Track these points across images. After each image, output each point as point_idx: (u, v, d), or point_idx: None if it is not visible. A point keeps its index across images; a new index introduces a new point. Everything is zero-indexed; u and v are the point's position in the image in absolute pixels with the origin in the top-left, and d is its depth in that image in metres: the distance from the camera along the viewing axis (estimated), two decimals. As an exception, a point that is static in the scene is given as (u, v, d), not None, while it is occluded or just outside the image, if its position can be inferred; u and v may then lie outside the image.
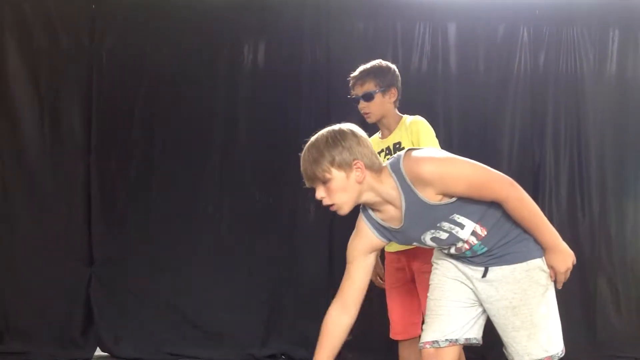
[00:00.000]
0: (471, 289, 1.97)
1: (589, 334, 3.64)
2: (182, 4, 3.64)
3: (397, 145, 2.67)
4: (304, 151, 1.86)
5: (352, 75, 2.72)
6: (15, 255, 3.57)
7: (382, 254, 2.77)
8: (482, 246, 1.90)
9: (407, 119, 2.68)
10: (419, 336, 2.61)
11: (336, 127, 1.86)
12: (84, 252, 3.60)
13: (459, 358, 2.23)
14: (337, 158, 1.80)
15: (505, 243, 1.90)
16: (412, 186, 1.80)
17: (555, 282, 1.92)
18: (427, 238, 1.90)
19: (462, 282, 1.98)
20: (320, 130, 1.87)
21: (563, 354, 1.95)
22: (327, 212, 3.59)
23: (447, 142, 3.31)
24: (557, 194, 3.68)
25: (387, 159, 2.60)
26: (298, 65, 3.65)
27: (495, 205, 1.86)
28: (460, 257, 1.96)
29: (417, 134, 2.59)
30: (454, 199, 1.83)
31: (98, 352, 3.60)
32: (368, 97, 2.66)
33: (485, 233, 1.88)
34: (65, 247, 3.58)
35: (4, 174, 3.58)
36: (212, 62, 3.64)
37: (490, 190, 1.82)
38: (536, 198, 3.15)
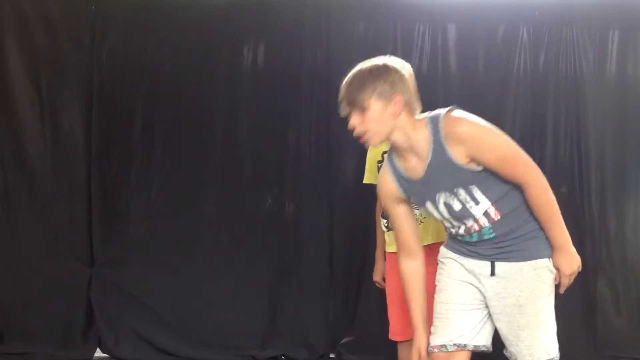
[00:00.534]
0: (477, 287, 1.96)
1: (589, 334, 3.64)
2: (182, 5, 3.64)
3: None
4: (347, 78, 1.90)
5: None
6: (16, 256, 3.57)
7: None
8: (491, 231, 1.90)
9: None
10: None
11: (382, 61, 1.91)
12: (85, 253, 3.60)
13: None
14: (379, 89, 1.84)
15: (515, 237, 1.90)
16: (444, 142, 1.83)
17: (559, 285, 1.93)
18: (441, 201, 1.90)
19: (468, 283, 1.98)
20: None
21: (558, 358, 1.98)
22: (327, 215, 3.64)
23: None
24: (556, 194, 3.66)
25: None
26: (298, 66, 3.65)
27: (516, 194, 1.88)
28: (467, 243, 1.95)
29: None
30: (479, 168, 1.84)
31: (98, 352, 3.61)
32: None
33: (499, 217, 1.88)
34: (65, 248, 3.58)
35: (4, 175, 3.58)
36: (212, 63, 3.64)
37: (518, 169, 1.85)
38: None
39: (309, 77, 3.65)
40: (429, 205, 1.95)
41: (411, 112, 1.88)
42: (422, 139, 1.87)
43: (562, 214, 3.45)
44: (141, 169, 3.64)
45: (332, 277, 3.65)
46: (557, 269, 1.90)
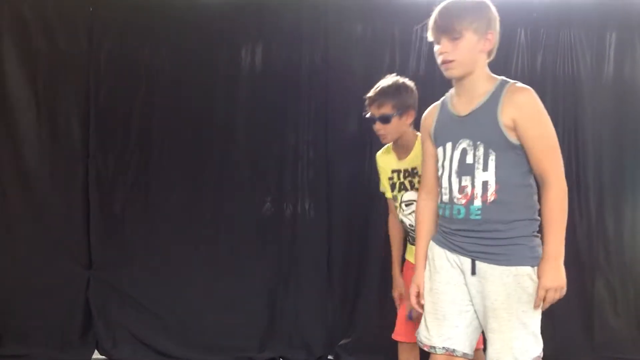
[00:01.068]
0: (465, 285, 1.97)
1: (587, 335, 3.65)
2: (180, 6, 3.63)
3: (415, 171, 2.65)
4: (442, 6, 1.94)
5: (369, 95, 2.67)
6: (13, 258, 3.56)
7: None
8: (479, 212, 1.90)
9: (419, 139, 2.62)
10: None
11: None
12: (83, 254, 3.60)
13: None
14: (477, 23, 1.90)
15: (498, 238, 1.90)
16: (501, 98, 1.88)
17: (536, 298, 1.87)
18: (460, 147, 1.94)
19: (457, 284, 1.99)
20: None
21: None
22: (325, 216, 3.64)
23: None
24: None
25: (408, 180, 2.67)
26: (296, 67, 3.65)
27: (521, 193, 1.89)
28: (452, 231, 1.97)
29: None
30: (514, 140, 1.86)
31: (96, 355, 3.59)
32: (385, 119, 2.61)
33: (492, 199, 1.89)
34: (63, 250, 3.57)
35: (1, 176, 3.57)
36: (210, 64, 3.64)
37: (548, 162, 1.86)
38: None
39: (308, 78, 3.65)
40: (448, 146, 1.98)
41: (491, 53, 1.96)
42: (484, 84, 1.94)
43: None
44: (139, 171, 3.63)
45: (330, 279, 3.65)
46: (539, 279, 1.85)
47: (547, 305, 1.88)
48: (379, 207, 3.50)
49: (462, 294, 1.98)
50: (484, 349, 2.02)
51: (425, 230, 2.12)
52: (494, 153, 1.88)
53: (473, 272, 1.94)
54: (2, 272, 3.56)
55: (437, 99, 3.39)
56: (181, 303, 3.59)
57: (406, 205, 2.74)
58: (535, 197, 1.95)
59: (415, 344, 2.68)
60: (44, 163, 3.58)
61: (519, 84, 1.93)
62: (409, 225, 2.73)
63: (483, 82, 1.95)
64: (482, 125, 1.90)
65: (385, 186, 2.83)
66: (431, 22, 1.96)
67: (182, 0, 3.64)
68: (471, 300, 1.97)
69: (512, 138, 1.87)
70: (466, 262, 1.95)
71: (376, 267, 3.54)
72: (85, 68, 3.60)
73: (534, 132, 1.86)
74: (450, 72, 1.96)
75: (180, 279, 3.60)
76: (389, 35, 3.66)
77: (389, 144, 2.78)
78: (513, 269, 1.89)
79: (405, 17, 3.65)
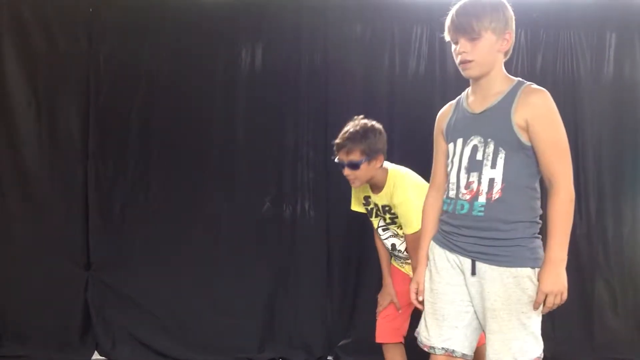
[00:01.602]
0: (465, 285, 1.97)
1: (587, 336, 3.65)
2: (179, 7, 3.63)
3: (387, 209, 2.68)
4: (460, 5, 1.94)
5: (337, 141, 2.64)
6: (12, 259, 3.56)
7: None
8: (482, 208, 1.90)
9: (396, 172, 2.64)
10: (401, 342, 2.73)
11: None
12: (82, 255, 3.60)
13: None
14: (495, 23, 1.90)
15: (498, 238, 1.89)
16: (516, 97, 1.89)
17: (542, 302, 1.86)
18: (472, 143, 1.94)
19: (457, 284, 1.99)
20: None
21: None
22: (324, 217, 3.64)
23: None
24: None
25: (382, 215, 2.72)
26: (296, 68, 3.65)
27: (527, 195, 1.89)
28: (454, 227, 1.97)
29: (400, 206, 2.58)
30: (521, 138, 1.87)
31: (96, 355, 3.59)
32: (353, 166, 2.59)
33: (497, 197, 1.89)
34: (62, 251, 3.57)
35: (1, 177, 3.57)
36: (210, 65, 3.64)
37: (558, 165, 1.86)
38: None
39: (307, 79, 3.65)
40: (459, 142, 1.99)
41: (507, 53, 1.97)
42: (500, 84, 1.94)
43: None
44: (138, 171, 3.63)
45: (330, 280, 3.65)
46: (538, 283, 1.85)
47: (546, 310, 1.87)
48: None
49: (461, 294, 1.98)
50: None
51: (429, 228, 2.12)
52: (503, 152, 1.89)
53: (473, 273, 1.93)
54: (2, 272, 3.56)
55: (437, 99, 3.44)
56: (180, 303, 3.59)
57: (383, 230, 2.77)
58: (539, 202, 1.95)
59: (398, 343, 2.72)
60: (43, 163, 3.58)
61: (535, 86, 1.93)
62: (389, 246, 2.79)
63: (499, 82, 1.95)
64: (495, 124, 1.91)
65: (356, 205, 2.88)
66: (448, 21, 1.96)
67: (182, 0, 3.64)
68: (471, 301, 1.97)
69: (524, 138, 1.87)
70: (466, 262, 1.95)
71: (375, 267, 3.52)
72: (85, 68, 3.60)
73: (545, 134, 1.86)
74: (468, 72, 1.95)
75: (180, 279, 3.60)
76: (389, 36, 3.66)
77: None
78: (513, 270, 1.88)
79: (405, 17, 3.66)
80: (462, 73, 1.98)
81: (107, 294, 3.60)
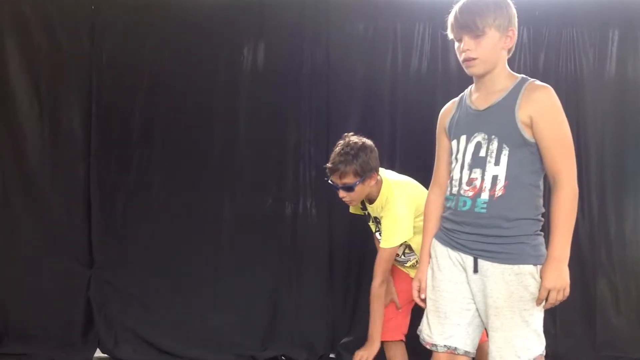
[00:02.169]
0: (467, 282, 1.97)
1: (589, 334, 3.64)
2: (181, 5, 3.63)
3: (378, 220, 2.68)
4: (463, 2, 1.94)
5: (329, 165, 2.61)
6: (15, 257, 3.57)
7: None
8: (484, 205, 1.90)
9: (384, 192, 2.62)
10: (402, 340, 2.73)
11: None
12: (84, 254, 3.60)
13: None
14: (499, 20, 1.90)
15: (499, 236, 1.89)
16: (520, 94, 1.89)
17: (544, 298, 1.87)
18: (475, 140, 1.94)
19: (459, 282, 1.99)
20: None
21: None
22: (326, 216, 3.63)
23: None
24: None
25: (374, 225, 2.73)
26: (298, 66, 3.64)
27: (530, 192, 1.89)
28: (458, 212, 1.96)
29: (385, 220, 2.58)
30: (525, 135, 1.87)
31: (98, 353, 3.60)
32: (348, 189, 2.57)
33: (500, 194, 1.88)
34: (65, 249, 3.58)
35: (3, 176, 3.58)
36: (211, 64, 3.63)
37: (562, 162, 1.86)
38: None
39: (309, 77, 3.65)
40: (462, 139, 1.98)
41: (510, 51, 1.97)
42: (504, 81, 1.94)
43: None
44: (140, 170, 3.63)
45: (332, 278, 3.65)
46: (541, 279, 1.86)
47: (549, 305, 1.88)
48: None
49: (463, 292, 1.98)
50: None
51: (432, 226, 2.12)
52: (507, 148, 1.89)
53: (475, 270, 1.93)
54: (4, 271, 3.56)
55: (439, 97, 3.44)
56: (183, 302, 3.59)
57: (380, 235, 2.77)
58: (541, 200, 1.95)
59: (399, 341, 2.72)
60: (45, 162, 3.59)
61: (539, 82, 1.93)
62: None
63: (503, 79, 1.95)
64: (499, 120, 1.91)
65: (354, 208, 2.87)
66: (451, 19, 1.96)
67: (184, -1, 3.65)
68: (473, 299, 1.97)
69: (528, 135, 1.87)
70: (468, 260, 1.95)
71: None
72: (87, 67, 3.60)
73: (550, 131, 1.86)
74: (472, 70, 1.95)
75: (182, 277, 3.60)
76: (391, 34, 3.65)
77: None
78: (515, 267, 1.88)
79: (407, 15, 3.65)
80: (466, 71, 1.97)
81: (109, 292, 3.61)
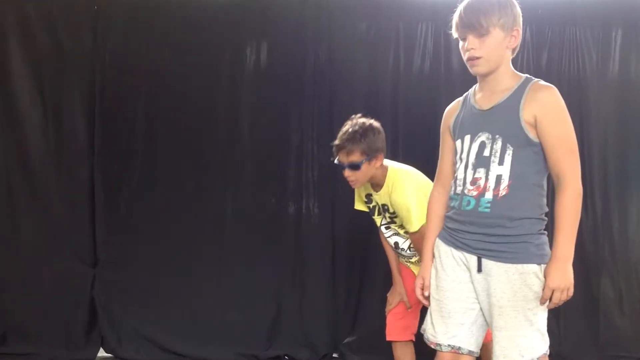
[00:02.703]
0: (471, 282, 1.97)
1: (592, 334, 3.64)
2: (184, 5, 3.63)
3: (386, 207, 2.68)
4: (467, 1, 1.94)
5: (336, 142, 2.62)
6: (19, 256, 3.57)
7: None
8: (488, 204, 1.90)
9: (396, 170, 2.63)
10: (411, 340, 2.72)
11: None
12: (88, 253, 3.61)
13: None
14: (503, 19, 1.90)
15: (503, 235, 1.89)
16: (524, 94, 1.89)
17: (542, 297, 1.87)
18: (479, 139, 1.94)
19: (462, 281, 1.98)
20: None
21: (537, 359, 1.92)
22: (329, 215, 3.63)
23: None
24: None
25: (383, 215, 2.71)
26: (300, 66, 3.65)
27: (534, 192, 1.89)
28: (462, 212, 1.96)
29: (397, 206, 2.59)
30: (530, 135, 1.86)
31: (101, 352, 3.60)
32: (354, 167, 2.58)
33: (504, 194, 1.88)
34: (68, 248, 3.58)
35: (7, 175, 3.59)
36: (214, 63, 3.64)
37: (567, 162, 1.86)
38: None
39: (312, 77, 3.65)
40: (467, 139, 1.98)
41: (515, 50, 1.96)
42: (508, 80, 1.94)
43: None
44: (144, 169, 3.64)
45: (335, 277, 3.65)
46: (545, 279, 1.85)
47: (552, 305, 1.87)
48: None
49: (467, 291, 1.98)
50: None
51: (435, 224, 2.11)
52: (511, 148, 1.89)
53: (479, 270, 1.93)
54: (8, 270, 3.57)
55: (442, 97, 3.44)
56: (186, 301, 3.60)
57: (385, 229, 2.77)
58: (545, 200, 1.95)
59: (408, 342, 2.72)
60: (49, 161, 3.59)
61: (544, 82, 1.93)
62: (392, 244, 2.78)
63: (507, 79, 1.95)
64: (503, 120, 1.91)
65: (359, 204, 2.87)
66: (456, 18, 1.95)
67: (187, -2, 3.65)
68: (477, 298, 1.97)
69: (532, 135, 1.87)
70: (472, 259, 1.95)
71: (380, 265, 3.53)
72: (90, 67, 3.60)
73: (554, 131, 1.86)
74: (476, 69, 1.95)
75: (185, 277, 3.60)
76: (394, 33, 3.65)
77: None
78: (519, 266, 1.88)
79: (410, 14, 3.65)
80: (470, 70, 1.97)
81: (113, 291, 3.61)
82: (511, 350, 1.90)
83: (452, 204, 2.03)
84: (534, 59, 3.64)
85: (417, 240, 2.54)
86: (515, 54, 1.98)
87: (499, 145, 1.90)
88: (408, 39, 3.64)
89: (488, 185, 1.90)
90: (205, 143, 3.64)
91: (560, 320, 3.54)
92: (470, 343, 1.99)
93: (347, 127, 2.62)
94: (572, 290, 1.85)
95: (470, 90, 2.07)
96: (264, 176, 3.66)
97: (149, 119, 3.64)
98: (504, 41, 1.91)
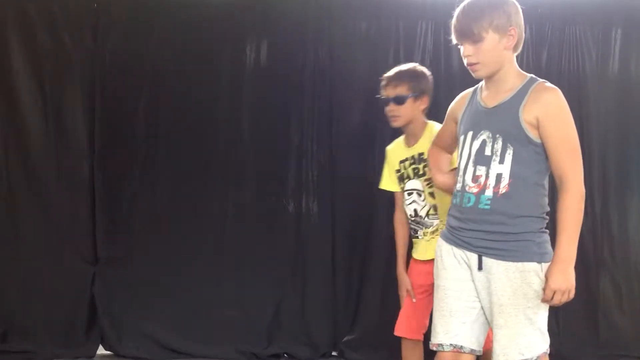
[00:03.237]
0: (472, 280, 1.97)
1: (592, 333, 3.64)
2: (184, 4, 3.64)
3: (421, 155, 2.64)
4: (461, 7, 1.93)
5: (385, 75, 2.68)
6: (19, 254, 3.57)
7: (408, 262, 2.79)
8: (488, 202, 1.90)
9: (435, 127, 2.62)
10: (422, 340, 2.67)
11: None
12: (88, 251, 3.60)
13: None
14: (497, 21, 1.88)
15: (504, 232, 1.89)
16: (527, 94, 1.88)
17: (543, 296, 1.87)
18: (481, 137, 1.94)
19: (464, 280, 1.99)
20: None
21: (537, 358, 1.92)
22: (329, 214, 3.64)
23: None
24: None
25: (412, 168, 2.66)
26: (301, 65, 3.64)
27: (539, 190, 1.90)
28: (462, 209, 1.97)
29: None
30: (530, 135, 1.86)
31: (101, 350, 3.61)
32: (399, 100, 2.61)
33: (504, 192, 1.88)
34: (69, 246, 3.58)
35: (8, 173, 3.58)
36: (214, 62, 3.64)
37: (569, 163, 1.86)
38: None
39: (312, 76, 3.65)
40: (469, 136, 1.99)
41: (517, 47, 1.95)
42: (513, 80, 1.94)
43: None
44: (144, 168, 3.64)
45: (335, 276, 3.65)
46: (547, 279, 1.85)
47: (552, 304, 1.88)
48: (384, 204, 3.50)
49: (468, 290, 1.98)
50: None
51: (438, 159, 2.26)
52: (511, 148, 1.89)
53: (480, 268, 1.94)
54: (8, 268, 3.57)
55: (442, 95, 3.42)
56: (186, 299, 3.60)
57: (408, 194, 2.74)
58: (546, 199, 1.95)
59: (418, 341, 2.70)
60: (50, 160, 3.59)
61: (548, 84, 1.92)
62: (409, 215, 2.74)
63: (512, 78, 1.95)
64: (504, 119, 1.91)
65: (387, 181, 2.84)
66: (452, 25, 1.96)
67: (187, -3, 3.65)
68: (478, 297, 1.97)
69: (532, 135, 1.87)
70: (473, 257, 1.95)
71: (380, 263, 3.54)
72: (90, 65, 3.60)
73: (556, 133, 1.85)
74: (477, 74, 1.96)
75: (185, 275, 3.60)
76: (394, 32, 3.65)
77: (401, 138, 2.77)
78: (519, 264, 1.88)
79: (410, 13, 3.66)
80: (472, 75, 1.99)
81: (113, 289, 3.61)
82: (511, 349, 1.89)
83: (454, 201, 2.03)
84: (533, 58, 3.64)
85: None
86: (519, 51, 1.97)
87: (499, 144, 1.90)
88: (408, 38, 3.65)
89: (488, 182, 1.91)
90: (205, 142, 3.64)
91: (560, 320, 3.54)
92: (472, 342, 1.99)
93: (399, 66, 2.70)
94: (573, 292, 1.85)
95: (479, 85, 2.07)
96: (264, 175, 3.66)
97: (149, 118, 3.64)
98: (500, 43, 1.90)
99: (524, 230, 1.89)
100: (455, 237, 2.00)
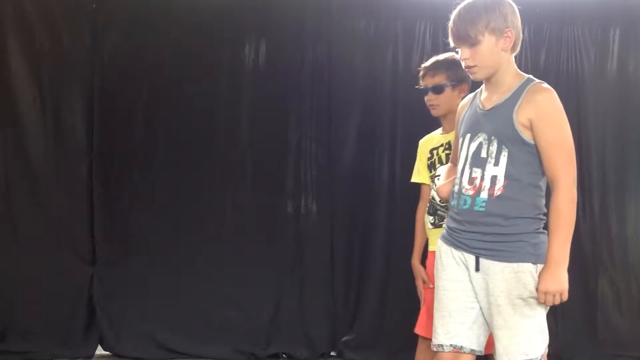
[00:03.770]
0: (470, 281, 1.97)
1: (591, 333, 3.64)
2: (183, 4, 3.64)
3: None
4: (457, 11, 1.92)
5: (423, 65, 2.68)
6: (17, 254, 3.57)
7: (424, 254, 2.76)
8: (483, 204, 1.90)
9: None
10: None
11: None
12: (86, 251, 3.60)
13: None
14: (493, 23, 1.87)
15: (499, 234, 1.90)
16: (521, 96, 1.88)
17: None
18: (478, 140, 1.94)
19: (462, 280, 1.99)
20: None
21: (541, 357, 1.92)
22: (328, 214, 3.64)
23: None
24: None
25: (445, 154, 2.66)
26: (299, 64, 3.65)
27: (534, 191, 1.89)
28: (459, 211, 1.96)
29: None
30: (524, 136, 1.86)
31: (100, 350, 3.61)
32: (438, 89, 2.61)
33: (499, 194, 1.89)
34: (67, 246, 3.58)
35: (6, 173, 3.58)
36: (213, 62, 3.64)
37: (561, 165, 1.85)
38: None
39: (311, 75, 3.65)
40: (467, 138, 1.99)
41: (515, 48, 1.94)
42: (510, 81, 1.94)
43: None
44: (143, 167, 3.64)
45: (333, 276, 3.66)
46: (539, 282, 1.85)
47: (547, 306, 1.89)
48: (383, 203, 3.51)
49: (467, 291, 1.98)
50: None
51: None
52: (506, 149, 1.89)
53: (477, 269, 1.94)
54: (6, 268, 3.57)
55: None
56: (185, 299, 3.60)
57: (438, 180, 2.71)
58: (543, 200, 1.95)
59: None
60: (48, 159, 3.59)
61: (544, 85, 1.92)
62: (438, 202, 2.66)
63: (509, 79, 1.94)
64: (498, 121, 1.91)
65: (419, 173, 2.80)
66: (449, 29, 1.96)
67: (186, -3, 3.65)
68: (476, 297, 1.98)
69: (526, 136, 1.87)
70: (470, 259, 1.96)
71: (380, 263, 3.55)
72: (89, 65, 3.60)
73: (549, 134, 1.85)
74: (475, 76, 1.97)
75: (184, 275, 3.60)
76: (392, 32, 3.65)
77: (437, 130, 2.75)
78: (515, 265, 1.88)
79: (409, 12, 3.66)
80: (471, 77, 1.99)
81: (111, 289, 3.61)
82: (514, 349, 1.90)
83: (452, 203, 2.04)
84: (532, 58, 3.64)
85: None
86: (517, 52, 1.97)
87: (494, 146, 1.90)
88: (407, 37, 3.65)
89: (483, 185, 1.91)
90: (204, 140, 3.64)
91: (558, 320, 3.54)
92: (472, 342, 1.99)
93: (437, 56, 2.69)
94: (565, 294, 1.85)
95: (481, 87, 2.07)
96: (262, 174, 3.66)
97: (147, 117, 3.64)
98: (496, 45, 1.89)
99: (519, 232, 1.89)
100: (453, 238, 2.00)
